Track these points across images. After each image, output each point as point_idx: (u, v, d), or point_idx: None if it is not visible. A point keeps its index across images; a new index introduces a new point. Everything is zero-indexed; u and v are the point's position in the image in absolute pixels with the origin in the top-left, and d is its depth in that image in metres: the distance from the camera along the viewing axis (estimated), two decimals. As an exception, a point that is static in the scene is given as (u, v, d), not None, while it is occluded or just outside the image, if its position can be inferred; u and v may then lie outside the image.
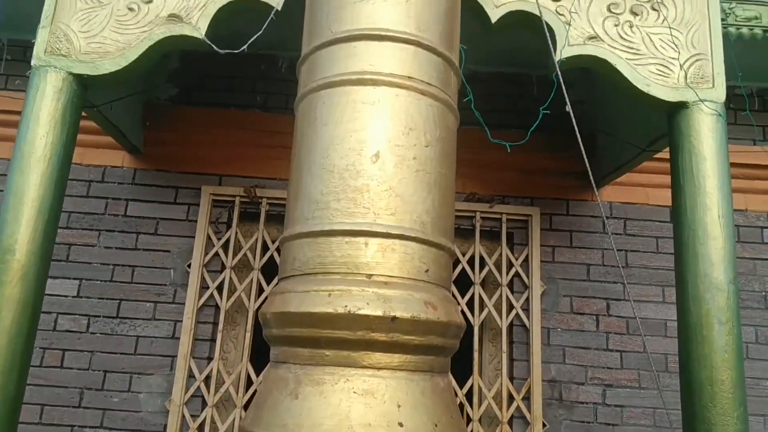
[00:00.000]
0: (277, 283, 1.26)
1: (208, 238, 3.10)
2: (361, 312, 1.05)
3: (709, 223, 2.12)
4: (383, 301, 1.06)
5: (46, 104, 2.16)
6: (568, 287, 3.12)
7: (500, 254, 3.18)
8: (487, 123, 3.34)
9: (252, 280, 3.07)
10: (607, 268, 3.15)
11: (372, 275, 1.09)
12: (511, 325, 3.10)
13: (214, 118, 3.24)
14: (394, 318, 1.06)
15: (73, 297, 3.02)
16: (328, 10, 1.26)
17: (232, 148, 3.22)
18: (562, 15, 2.36)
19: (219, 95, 3.30)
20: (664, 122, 2.38)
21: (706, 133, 2.18)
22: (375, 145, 1.13)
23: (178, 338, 2.96)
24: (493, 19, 2.38)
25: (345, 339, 1.06)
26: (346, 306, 1.05)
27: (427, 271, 1.13)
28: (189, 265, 3.04)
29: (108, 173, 3.18)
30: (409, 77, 1.20)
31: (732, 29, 2.85)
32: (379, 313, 1.06)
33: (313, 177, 1.15)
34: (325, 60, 1.24)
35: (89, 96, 2.40)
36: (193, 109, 3.26)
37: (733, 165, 2.90)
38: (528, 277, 3.12)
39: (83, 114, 2.36)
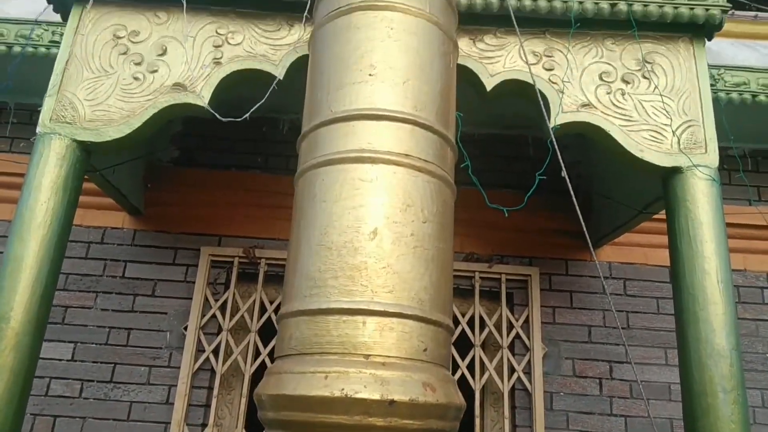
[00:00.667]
0: (273, 362, 1.25)
1: (206, 299, 3.08)
2: (359, 396, 1.03)
3: (708, 288, 2.12)
4: (381, 384, 1.05)
5: (48, 171, 2.19)
6: (570, 349, 3.08)
7: (500, 315, 3.15)
8: (485, 183, 3.38)
9: (249, 342, 3.03)
10: (609, 329, 3.11)
11: (369, 356, 1.08)
12: (512, 389, 3.04)
13: (215, 179, 3.28)
14: (392, 402, 1.04)
15: (68, 361, 2.97)
16: (328, 90, 1.29)
17: (232, 208, 3.25)
18: (555, 83, 2.43)
19: (220, 157, 3.35)
20: (660, 186, 2.41)
21: (701, 198, 2.20)
22: (373, 222, 1.15)
23: (172, 404, 2.89)
24: (488, 88, 2.45)
25: (341, 424, 1.03)
26: (343, 389, 1.03)
27: (425, 350, 1.12)
28: (185, 328, 3.01)
29: (108, 234, 3.19)
30: (406, 155, 1.22)
31: (722, 94, 2.92)
32: (376, 396, 1.04)
33: (311, 254, 1.16)
34: (325, 138, 1.26)
35: (92, 160, 2.44)
36: (194, 171, 3.30)
37: (730, 225, 2.91)
38: (529, 339, 3.08)
39: (85, 177, 2.40)
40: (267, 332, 3.01)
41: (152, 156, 3.28)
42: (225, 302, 3.09)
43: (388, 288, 1.10)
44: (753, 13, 3.67)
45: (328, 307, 1.10)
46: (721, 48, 3.22)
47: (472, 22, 2.51)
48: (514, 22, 2.31)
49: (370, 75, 1.25)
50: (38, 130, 2.26)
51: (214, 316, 3.07)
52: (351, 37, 1.30)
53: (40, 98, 2.40)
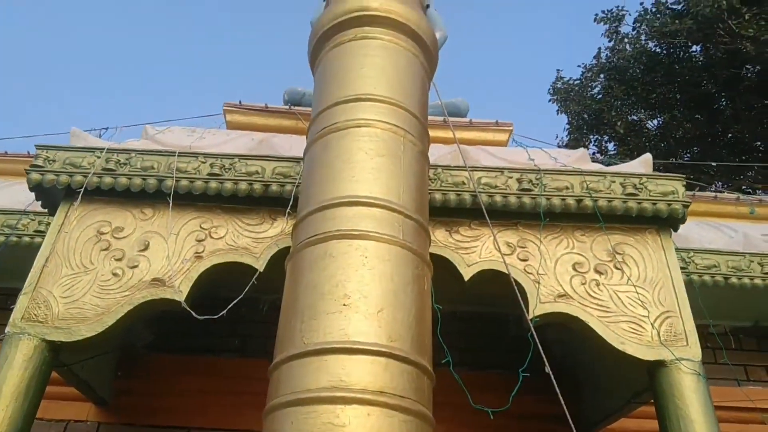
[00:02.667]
0: None
1: (169, 505, 2.80)
2: None
3: (711, 497, 1.98)
4: None
5: (12, 375, 2.09)
6: None
7: None
8: (469, 364, 3.30)
9: None
10: None
11: None
12: None
13: (189, 365, 3.16)
14: None
15: None
16: (302, 319, 1.29)
17: (204, 396, 3.09)
18: (530, 274, 2.47)
19: (196, 340, 3.26)
20: (646, 376, 2.36)
21: (689, 395, 2.14)
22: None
23: None
24: (466, 278, 2.49)
25: None
26: None
27: None
28: None
29: (70, 429, 2.97)
30: (381, 392, 1.18)
31: (695, 276, 2.99)
32: None
33: None
34: (297, 372, 1.23)
35: (61, 356, 2.35)
36: (167, 357, 3.19)
37: (723, 408, 2.82)
38: None
39: (51, 374, 2.28)
40: None
41: (126, 343, 3.18)
42: (190, 507, 2.81)
43: None
44: (713, 194, 3.91)
45: None
46: (688, 229, 3.36)
47: (448, 214, 2.62)
48: (487, 218, 2.40)
49: (344, 305, 1.26)
50: (7, 330, 2.20)
51: None
52: (327, 265, 1.33)
53: (19, 281, 2.36)
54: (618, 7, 11.15)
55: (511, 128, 3.53)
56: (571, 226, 2.60)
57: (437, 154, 3.09)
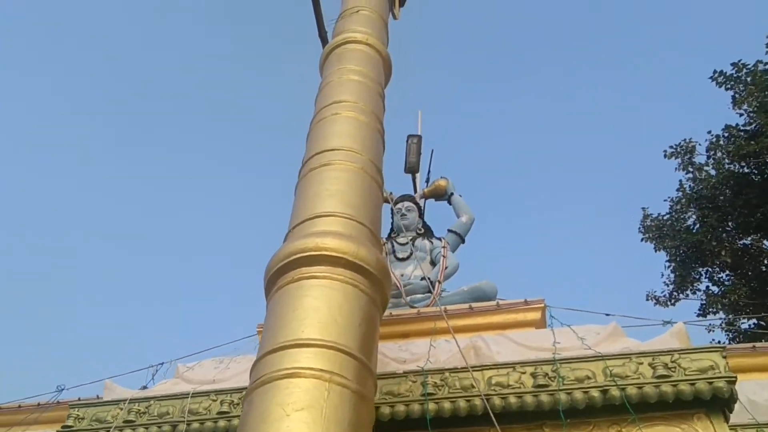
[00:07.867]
0: None
1: None
2: None
3: None
4: None
5: None
6: None
7: None
8: None
9: None
10: None
11: None
12: None
13: None
14: None
15: None
16: None
17: None
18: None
19: None
20: None
21: None
22: None
23: None
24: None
25: None
26: None
27: None
28: None
29: None
30: None
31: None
32: None
33: None
34: None
35: None
36: None
37: None
38: None
39: None
40: None
41: None
42: None
43: None
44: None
45: None
46: (752, 390, 2.73)
47: (460, 424, 2.38)
48: (495, 424, 2.15)
49: None
50: None
51: None
52: None
53: None
54: (686, 139, 10.86)
55: (542, 305, 3.32)
56: (605, 421, 2.28)
57: (455, 349, 2.94)
